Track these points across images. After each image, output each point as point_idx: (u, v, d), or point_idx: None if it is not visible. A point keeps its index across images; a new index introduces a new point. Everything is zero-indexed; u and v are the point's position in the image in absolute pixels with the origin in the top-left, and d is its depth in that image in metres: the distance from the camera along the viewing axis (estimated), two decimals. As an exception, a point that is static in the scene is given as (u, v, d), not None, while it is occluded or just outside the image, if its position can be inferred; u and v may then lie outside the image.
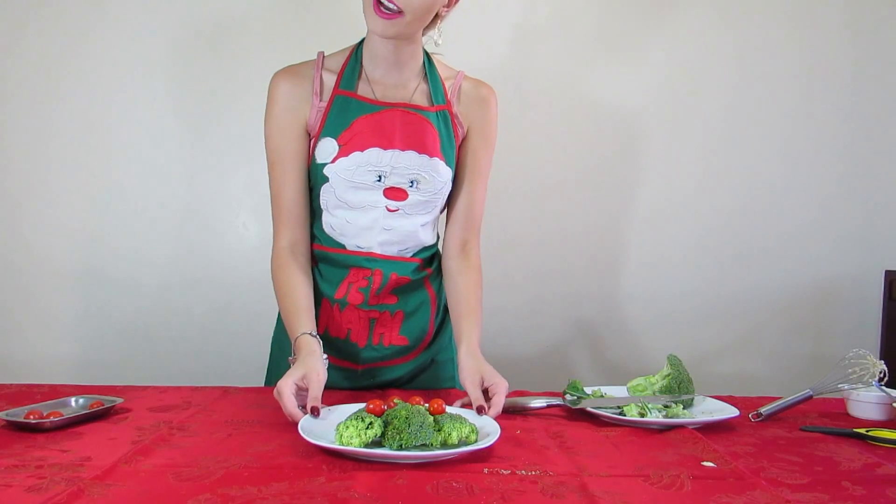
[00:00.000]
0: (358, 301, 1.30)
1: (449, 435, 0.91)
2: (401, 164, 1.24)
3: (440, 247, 1.42)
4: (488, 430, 0.97)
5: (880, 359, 1.16)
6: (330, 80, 1.27)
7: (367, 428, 0.89)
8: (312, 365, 1.07)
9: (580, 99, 2.14)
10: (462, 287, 1.32)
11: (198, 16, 2.03)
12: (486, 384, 1.14)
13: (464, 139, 1.33)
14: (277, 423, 1.02)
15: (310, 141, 1.27)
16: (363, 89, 1.27)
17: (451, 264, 1.36)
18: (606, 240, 2.16)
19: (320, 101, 1.26)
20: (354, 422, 0.89)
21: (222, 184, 2.09)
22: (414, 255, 1.33)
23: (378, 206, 1.26)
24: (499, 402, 1.11)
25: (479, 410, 1.07)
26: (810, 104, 2.15)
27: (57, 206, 2.04)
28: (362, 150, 1.23)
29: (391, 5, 1.14)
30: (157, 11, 2.02)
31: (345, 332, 1.31)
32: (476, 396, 1.12)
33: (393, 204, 1.26)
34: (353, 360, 1.33)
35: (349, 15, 2.01)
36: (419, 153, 1.25)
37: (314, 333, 1.14)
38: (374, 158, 1.23)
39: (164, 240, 2.07)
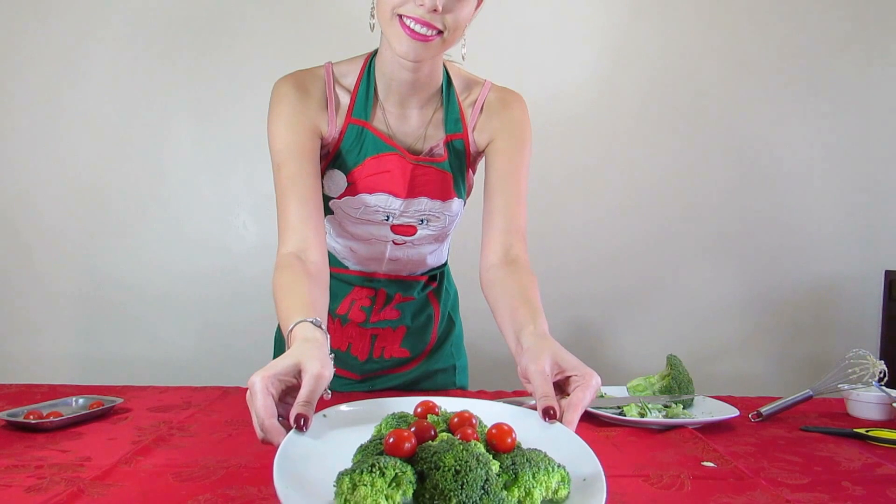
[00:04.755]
0: (360, 319, 1.27)
1: (529, 494, 0.60)
2: (411, 207, 1.16)
3: (449, 262, 1.37)
4: (586, 473, 0.63)
5: (880, 359, 1.15)
6: (344, 99, 1.14)
7: (391, 487, 0.56)
8: (310, 352, 0.77)
9: (580, 99, 2.14)
10: (514, 286, 1.04)
11: (198, 16, 2.03)
12: (561, 375, 0.84)
13: (490, 144, 1.18)
14: (277, 423, 1.02)
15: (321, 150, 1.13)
16: (377, 119, 1.14)
17: (494, 275, 1.09)
18: (606, 240, 2.16)
19: (336, 116, 1.13)
20: (369, 477, 0.56)
21: (222, 184, 2.09)
22: (420, 274, 1.30)
23: (385, 239, 1.20)
24: (579, 400, 0.78)
25: (547, 414, 0.76)
26: (810, 105, 2.15)
27: (56, 207, 2.04)
28: (371, 193, 1.14)
29: (426, 30, 0.98)
30: (158, 12, 2.02)
31: (346, 346, 1.29)
32: (544, 392, 0.79)
33: (401, 238, 1.20)
34: (352, 371, 1.31)
35: (349, 16, 2.02)
36: (432, 199, 1.17)
37: (318, 322, 0.86)
38: (384, 202, 1.15)
39: (165, 240, 2.07)
